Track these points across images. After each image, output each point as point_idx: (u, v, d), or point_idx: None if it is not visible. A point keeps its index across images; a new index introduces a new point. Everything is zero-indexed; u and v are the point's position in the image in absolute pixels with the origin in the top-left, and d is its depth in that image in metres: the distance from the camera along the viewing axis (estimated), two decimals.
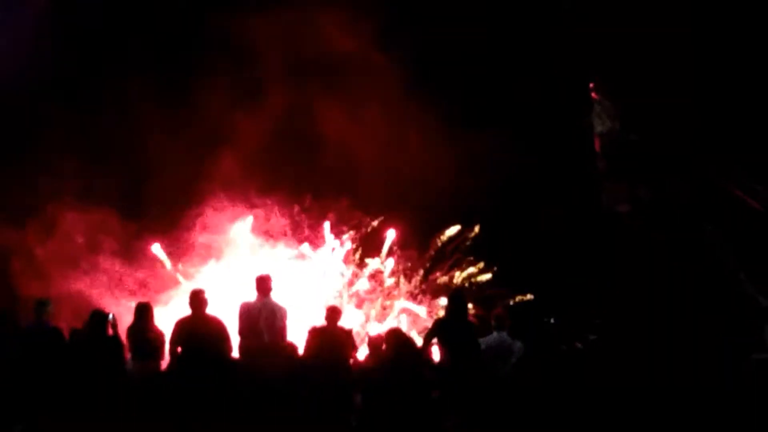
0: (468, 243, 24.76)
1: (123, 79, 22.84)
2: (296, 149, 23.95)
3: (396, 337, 13.98)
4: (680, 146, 14.84)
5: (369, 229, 24.74)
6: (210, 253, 23.82)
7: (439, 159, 22.62)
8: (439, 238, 24.22)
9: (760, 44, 14.33)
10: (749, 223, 14.94)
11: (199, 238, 23.64)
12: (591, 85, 15.39)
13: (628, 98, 15.04)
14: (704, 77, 14.80)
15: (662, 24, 15.00)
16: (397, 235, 24.45)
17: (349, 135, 22.93)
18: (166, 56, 23.38)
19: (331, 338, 13.73)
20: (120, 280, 23.50)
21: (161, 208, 23.61)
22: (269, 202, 23.86)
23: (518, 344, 14.16)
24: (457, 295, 14.42)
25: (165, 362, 13.80)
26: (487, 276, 23.82)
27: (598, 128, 15.18)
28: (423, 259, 24.87)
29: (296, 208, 24.17)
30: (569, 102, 16.21)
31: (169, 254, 23.78)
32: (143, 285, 23.78)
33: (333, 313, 14.07)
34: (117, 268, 23.56)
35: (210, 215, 23.44)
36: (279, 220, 24.03)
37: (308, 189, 24.26)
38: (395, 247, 24.78)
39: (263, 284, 14.00)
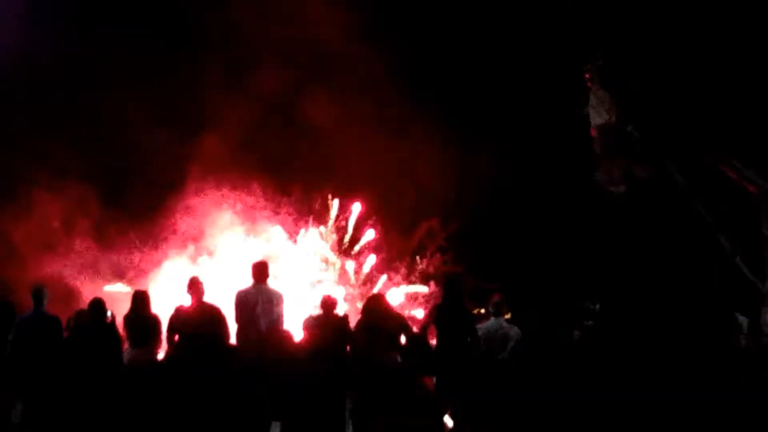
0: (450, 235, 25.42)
1: (108, 61, 23.24)
2: (282, 135, 24.44)
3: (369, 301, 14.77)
4: (678, 138, 15.25)
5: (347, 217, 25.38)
6: (192, 237, 24.37)
7: (427, 149, 23.28)
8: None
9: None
10: (745, 207, 15.41)
11: (182, 222, 24.17)
12: (586, 75, 15.69)
13: (625, 85, 15.44)
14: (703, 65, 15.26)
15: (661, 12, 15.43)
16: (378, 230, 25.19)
17: (336, 124, 23.45)
18: (152, 37, 23.73)
19: (327, 327, 14.09)
20: (98, 264, 23.96)
21: (144, 192, 24.11)
22: (254, 188, 24.40)
23: (515, 330, 14.66)
24: (453, 282, 14.99)
25: (162, 349, 14.25)
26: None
27: (595, 120, 15.49)
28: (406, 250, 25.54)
29: (283, 198, 24.77)
30: (562, 90, 16.54)
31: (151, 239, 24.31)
32: (122, 269, 24.27)
33: (328, 302, 14.46)
34: (95, 251, 24.05)
35: (193, 200, 23.96)
36: (264, 211, 24.59)
37: (293, 176, 24.80)
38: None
39: (260, 270, 14.32)
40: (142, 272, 24.39)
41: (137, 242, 24.70)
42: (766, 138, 14.59)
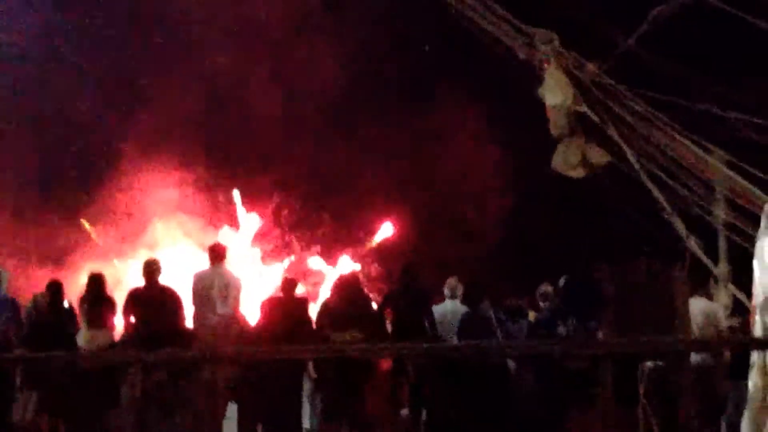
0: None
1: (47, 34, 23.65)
2: (225, 121, 25.06)
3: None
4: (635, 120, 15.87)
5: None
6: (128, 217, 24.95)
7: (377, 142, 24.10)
8: None
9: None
10: (699, 190, 16.17)
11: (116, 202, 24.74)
12: (542, 56, 16.18)
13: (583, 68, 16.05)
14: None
15: None
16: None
17: (280, 108, 24.14)
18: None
19: (287, 309, 14.82)
20: (23, 243, 24.35)
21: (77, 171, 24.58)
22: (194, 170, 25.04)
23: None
24: (409, 266, 15.86)
25: (117, 332, 14.96)
26: None
27: (549, 101, 16.00)
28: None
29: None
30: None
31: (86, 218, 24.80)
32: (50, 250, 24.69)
33: (289, 283, 15.31)
34: (19, 230, 24.46)
35: (130, 179, 24.52)
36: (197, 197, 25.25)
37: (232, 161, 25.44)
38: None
39: (216, 253, 15.06)
40: (72, 253, 24.86)
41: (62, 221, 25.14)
42: (731, 123, 15.31)
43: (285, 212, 26.54)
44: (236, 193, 25.81)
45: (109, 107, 24.51)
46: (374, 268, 26.07)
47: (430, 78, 25.30)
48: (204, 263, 15.54)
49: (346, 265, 25.66)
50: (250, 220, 25.96)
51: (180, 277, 16.03)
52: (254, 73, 24.88)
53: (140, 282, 14.94)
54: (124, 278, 20.77)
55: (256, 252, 26.04)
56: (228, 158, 25.84)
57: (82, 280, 18.32)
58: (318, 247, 26.58)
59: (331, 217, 26.56)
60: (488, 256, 24.22)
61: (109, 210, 25.22)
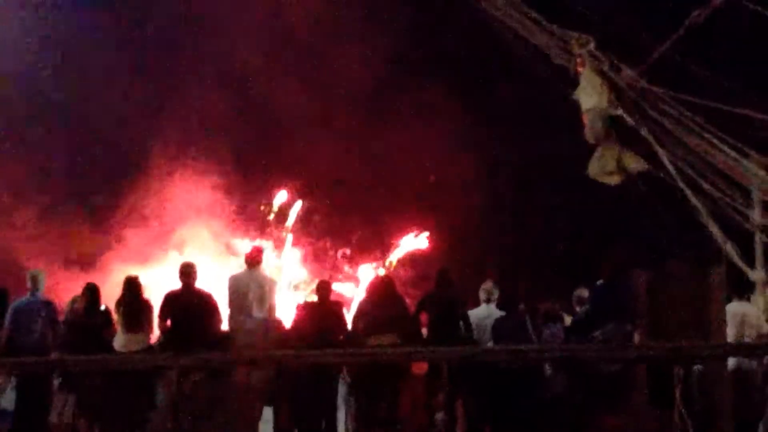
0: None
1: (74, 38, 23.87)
2: (255, 122, 25.23)
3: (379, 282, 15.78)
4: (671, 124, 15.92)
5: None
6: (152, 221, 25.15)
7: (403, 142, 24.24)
8: None
9: None
10: (736, 194, 16.22)
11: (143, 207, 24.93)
12: (578, 59, 16.24)
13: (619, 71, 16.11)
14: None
15: None
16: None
17: (311, 112, 24.31)
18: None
19: (322, 313, 14.99)
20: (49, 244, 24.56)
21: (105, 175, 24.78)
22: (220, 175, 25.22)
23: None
24: (445, 270, 16.02)
25: (154, 335, 15.05)
26: None
27: (585, 104, 16.04)
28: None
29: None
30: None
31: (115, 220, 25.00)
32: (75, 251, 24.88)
33: (324, 287, 15.41)
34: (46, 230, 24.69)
35: (159, 182, 24.72)
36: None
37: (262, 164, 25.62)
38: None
39: (253, 256, 15.21)
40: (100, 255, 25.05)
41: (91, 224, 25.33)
42: (761, 124, 15.35)
43: (316, 217, 26.63)
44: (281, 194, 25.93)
45: (139, 110, 24.64)
46: (405, 272, 26.10)
47: (459, 83, 25.39)
48: (234, 267, 15.60)
49: (378, 269, 25.75)
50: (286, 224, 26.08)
51: (210, 281, 16.11)
52: (284, 77, 25.00)
53: (173, 285, 15.07)
54: (154, 281, 20.86)
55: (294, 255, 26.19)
56: (258, 162, 25.92)
57: (110, 282, 18.76)
58: (349, 251, 26.64)
59: (362, 221, 26.59)
60: (524, 261, 24.28)
61: (138, 213, 25.32)
